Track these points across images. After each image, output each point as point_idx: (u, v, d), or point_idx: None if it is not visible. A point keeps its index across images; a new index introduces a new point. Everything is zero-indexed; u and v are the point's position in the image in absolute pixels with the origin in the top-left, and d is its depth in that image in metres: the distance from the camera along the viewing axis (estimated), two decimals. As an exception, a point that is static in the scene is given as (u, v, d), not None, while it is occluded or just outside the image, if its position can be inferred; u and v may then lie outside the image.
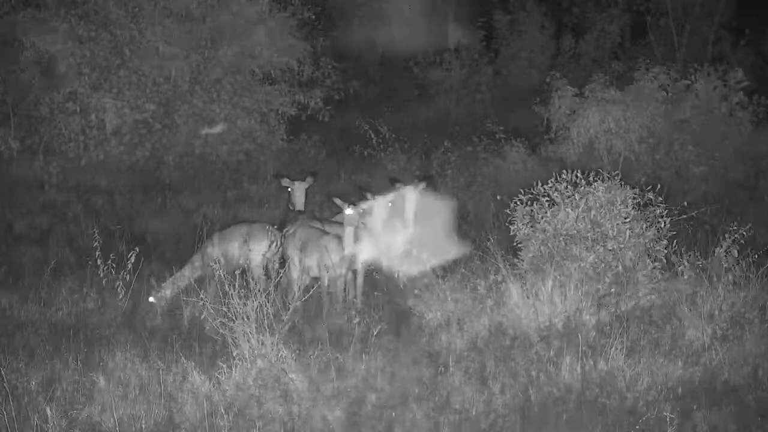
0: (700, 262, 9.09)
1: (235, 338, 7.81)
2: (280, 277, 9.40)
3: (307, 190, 10.30)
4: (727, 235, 9.11)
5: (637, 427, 6.98)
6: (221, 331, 7.94)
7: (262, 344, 7.71)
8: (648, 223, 9.13)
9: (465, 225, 11.99)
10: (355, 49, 22.99)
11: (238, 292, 7.96)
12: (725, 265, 8.96)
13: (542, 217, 9.17)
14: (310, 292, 9.20)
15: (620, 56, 22.44)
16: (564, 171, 9.28)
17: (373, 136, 16.61)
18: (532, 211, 9.24)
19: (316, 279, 9.68)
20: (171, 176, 15.83)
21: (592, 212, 9.04)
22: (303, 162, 16.37)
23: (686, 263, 9.09)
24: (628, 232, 8.99)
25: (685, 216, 9.77)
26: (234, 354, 7.73)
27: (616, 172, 9.41)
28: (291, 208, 10.27)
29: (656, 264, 9.08)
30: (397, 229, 10.05)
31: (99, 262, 9.47)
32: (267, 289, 8.15)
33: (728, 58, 21.16)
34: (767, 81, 18.20)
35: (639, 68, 15.86)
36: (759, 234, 10.60)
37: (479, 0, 23.53)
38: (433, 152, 15.92)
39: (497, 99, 21.63)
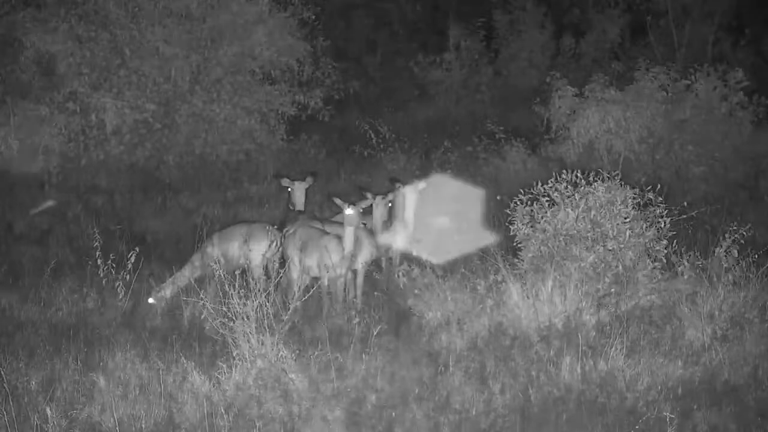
0: (700, 262, 9.09)
1: (235, 338, 7.81)
2: (280, 277, 9.40)
3: (307, 190, 10.30)
4: (727, 235, 9.11)
5: (637, 427, 6.98)
6: (221, 331, 7.93)
7: (262, 344, 7.71)
8: (648, 223, 9.13)
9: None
10: (355, 49, 23.01)
11: (238, 292, 7.95)
12: (725, 265, 8.96)
13: (542, 217, 9.17)
14: (310, 292, 9.20)
15: (620, 56, 22.45)
16: (564, 171, 9.27)
17: (373, 136, 16.62)
18: (532, 211, 9.24)
19: (316, 279, 9.68)
20: (171, 176, 15.84)
21: (592, 212, 9.04)
22: (303, 162, 16.38)
23: (686, 263, 9.09)
24: (628, 232, 8.99)
25: (685, 216, 9.77)
26: (234, 354, 7.73)
27: (616, 172, 9.41)
28: (291, 208, 10.27)
29: (656, 264, 9.07)
30: (398, 229, 10.06)
31: (99, 262, 9.46)
32: (267, 289, 8.15)
33: (728, 58, 21.15)
34: (767, 81, 18.18)
35: (639, 68, 15.87)
36: (759, 234, 10.60)
37: (479, 0, 23.53)
38: (433, 152, 15.94)
39: (497, 99, 21.65)
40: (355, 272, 9.76)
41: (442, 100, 21.96)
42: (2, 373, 7.53)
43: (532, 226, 9.21)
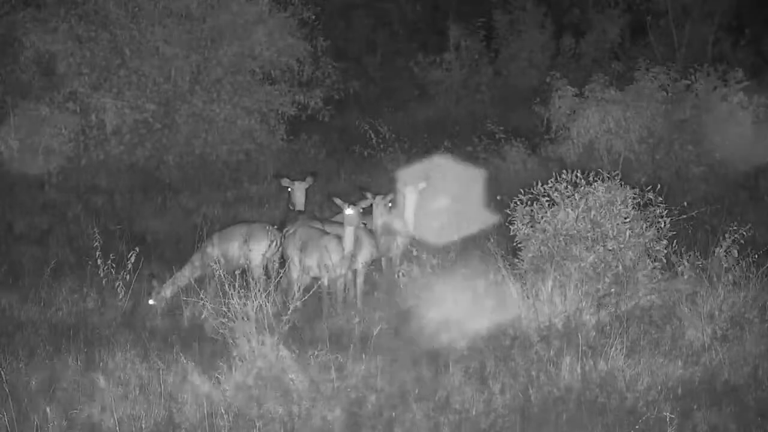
0: (700, 262, 9.08)
1: (235, 338, 7.81)
2: (280, 277, 9.40)
3: (307, 190, 10.31)
4: (727, 235, 9.10)
5: (637, 427, 6.98)
6: (221, 331, 7.94)
7: (262, 344, 7.71)
8: (648, 223, 9.12)
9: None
10: (355, 49, 23.01)
11: (238, 292, 7.95)
12: (725, 265, 8.95)
13: (542, 217, 9.17)
14: (310, 292, 9.20)
15: (620, 56, 22.44)
16: (564, 171, 9.27)
17: (373, 136, 16.61)
18: (532, 211, 9.24)
19: (316, 279, 9.69)
20: (171, 176, 15.84)
21: (592, 212, 9.03)
22: (303, 162, 16.38)
23: (686, 263, 9.09)
24: (628, 232, 8.99)
25: (685, 216, 9.77)
26: (234, 354, 7.73)
27: (616, 172, 9.41)
28: (291, 208, 10.27)
29: (656, 264, 9.07)
30: (397, 229, 10.05)
31: (99, 262, 9.47)
32: (267, 289, 8.15)
33: (728, 58, 21.15)
34: (767, 81, 18.18)
35: (639, 68, 15.86)
36: (759, 234, 10.59)
37: (479, 0, 23.53)
38: (433, 152, 15.92)
39: (497, 99, 21.64)
40: (355, 272, 9.76)
41: (442, 100, 21.95)
42: (2, 373, 7.52)
43: (532, 226, 9.21)
